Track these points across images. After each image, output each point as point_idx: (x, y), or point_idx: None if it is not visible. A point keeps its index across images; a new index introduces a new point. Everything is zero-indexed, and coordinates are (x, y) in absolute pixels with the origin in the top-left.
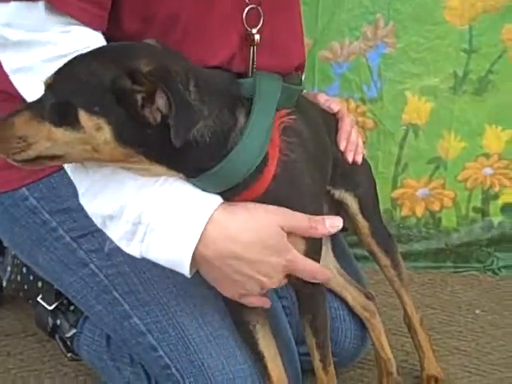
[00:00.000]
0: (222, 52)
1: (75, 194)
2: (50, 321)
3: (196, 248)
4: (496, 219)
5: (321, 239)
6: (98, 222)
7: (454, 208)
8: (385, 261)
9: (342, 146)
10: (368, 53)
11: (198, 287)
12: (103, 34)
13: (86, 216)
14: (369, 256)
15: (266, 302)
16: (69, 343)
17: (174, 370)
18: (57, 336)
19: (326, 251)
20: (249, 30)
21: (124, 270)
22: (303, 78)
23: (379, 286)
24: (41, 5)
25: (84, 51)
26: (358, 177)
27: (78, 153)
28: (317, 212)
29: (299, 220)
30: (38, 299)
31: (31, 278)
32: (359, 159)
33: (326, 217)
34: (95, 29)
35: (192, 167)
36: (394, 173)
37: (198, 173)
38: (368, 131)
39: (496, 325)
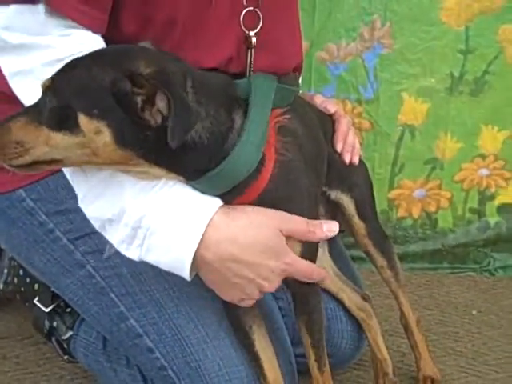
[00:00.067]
0: (219, 54)
1: (72, 196)
2: (47, 323)
3: (196, 251)
4: (492, 220)
5: (316, 242)
6: (97, 225)
7: (451, 209)
8: (381, 262)
9: (339, 147)
10: (364, 54)
11: (195, 289)
12: (102, 36)
13: (83, 218)
14: (365, 257)
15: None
16: (65, 345)
17: (170, 371)
18: (53, 338)
19: (323, 252)
20: (246, 32)
21: (121, 271)
22: (300, 79)
23: (376, 287)
24: (41, 8)
25: (84, 53)
26: (354, 178)
27: (77, 157)
28: (313, 212)
29: (298, 224)
30: (35, 301)
31: (28, 280)
32: (356, 160)
33: (323, 221)
34: (95, 32)
35: (191, 169)
36: (390, 174)
37: (197, 175)
38: (364, 132)
39: (492, 325)
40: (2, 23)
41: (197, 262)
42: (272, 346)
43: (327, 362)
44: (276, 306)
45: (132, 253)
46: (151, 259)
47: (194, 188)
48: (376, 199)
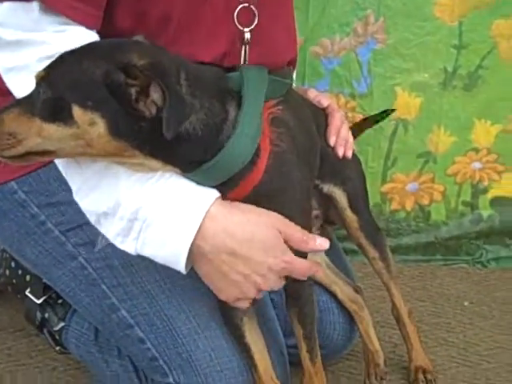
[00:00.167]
0: (213, 50)
1: (64, 188)
2: (39, 314)
3: (193, 242)
4: (485, 213)
5: None
6: (92, 219)
7: (444, 202)
8: (373, 253)
9: (332, 141)
10: (358, 49)
11: (187, 280)
12: (96, 31)
13: (75, 209)
14: (357, 250)
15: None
16: (57, 336)
17: (161, 362)
18: (45, 330)
19: None
20: (241, 28)
21: (112, 263)
22: (294, 73)
23: (368, 278)
24: (35, 5)
25: None
26: (346, 171)
27: (71, 148)
28: (305, 204)
29: (295, 230)
30: (27, 293)
31: (20, 272)
32: (349, 154)
33: (317, 236)
34: (89, 28)
35: (187, 161)
36: (383, 167)
37: (193, 167)
38: None
39: (484, 316)
40: None
41: (193, 254)
42: (263, 337)
43: (319, 353)
44: (268, 297)
45: (128, 246)
46: (147, 252)
47: (190, 180)
48: (369, 193)
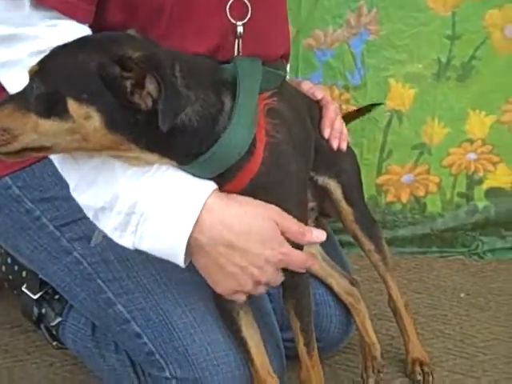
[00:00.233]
0: (206, 43)
1: (58, 183)
2: (35, 310)
3: (191, 234)
4: (480, 204)
5: None
6: (90, 214)
7: (439, 193)
8: (369, 245)
9: (326, 134)
10: (351, 40)
11: (182, 274)
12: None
13: (70, 204)
14: (353, 242)
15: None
16: (54, 332)
17: (158, 356)
18: (42, 325)
19: None
20: (233, 22)
21: (108, 257)
22: (288, 66)
23: (364, 271)
24: (26, 0)
25: None
26: (341, 163)
27: (67, 143)
28: (302, 196)
29: (292, 223)
30: (23, 289)
31: (16, 268)
32: (344, 146)
33: (313, 228)
34: (81, 22)
35: (183, 153)
36: (378, 159)
37: (189, 159)
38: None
39: (481, 308)
40: None
41: (191, 247)
42: (259, 331)
43: (316, 346)
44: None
45: (125, 240)
46: (145, 246)
47: (187, 172)
48: (364, 185)
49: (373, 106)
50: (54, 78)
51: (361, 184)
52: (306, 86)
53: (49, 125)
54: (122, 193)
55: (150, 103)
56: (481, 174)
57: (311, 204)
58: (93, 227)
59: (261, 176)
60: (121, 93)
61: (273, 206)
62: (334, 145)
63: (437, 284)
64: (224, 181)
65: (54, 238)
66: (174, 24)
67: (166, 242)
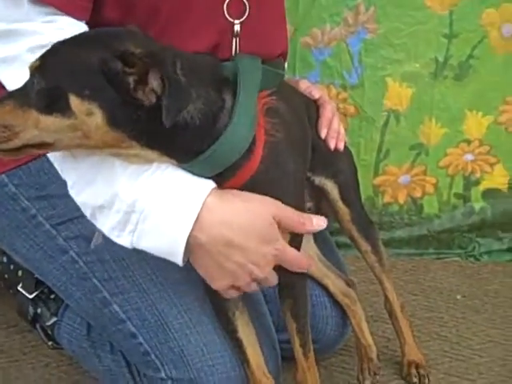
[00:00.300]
0: (203, 42)
1: (55, 181)
2: (31, 309)
3: (191, 233)
4: (477, 205)
5: None
6: (88, 213)
7: (436, 194)
8: (365, 246)
9: (323, 133)
10: (349, 39)
11: (178, 274)
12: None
13: (66, 203)
14: (350, 243)
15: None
16: (50, 331)
17: (153, 356)
18: (38, 325)
19: (308, 238)
20: (231, 20)
21: (103, 257)
22: (286, 64)
23: (361, 272)
24: None
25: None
26: (337, 164)
27: (68, 139)
28: (299, 196)
29: (290, 213)
30: (19, 288)
31: (11, 267)
32: (341, 146)
33: (313, 215)
34: (78, 18)
35: (184, 151)
36: (375, 159)
37: (189, 157)
38: (349, 118)
39: (477, 310)
40: None
41: (190, 245)
42: (255, 332)
43: (312, 347)
44: (260, 292)
45: (124, 239)
46: (144, 244)
47: (187, 171)
48: (361, 185)
49: None
50: (56, 74)
51: (358, 184)
52: (304, 85)
53: (50, 121)
54: (121, 191)
55: (153, 99)
56: (478, 174)
57: (308, 204)
58: (90, 227)
59: (260, 174)
60: (124, 89)
61: (271, 199)
62: (331, 145)
63: (433, 286)
64: (223, 179)
65: (50, 237)
66: (171, 22)
67: (166, 240)
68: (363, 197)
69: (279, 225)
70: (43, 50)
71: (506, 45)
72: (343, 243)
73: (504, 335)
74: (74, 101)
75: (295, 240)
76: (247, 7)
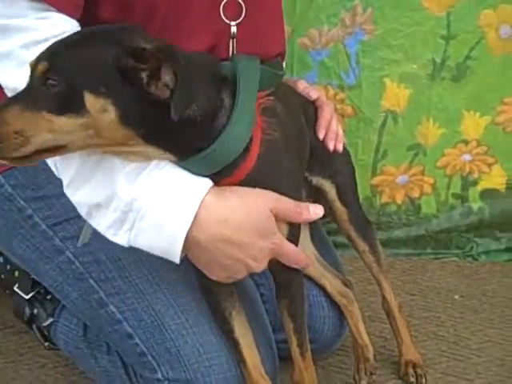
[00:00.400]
0: (200, 43)
1: (51, 181)
2: (27, 310)
3: (188, 232)
4: (475, 205)
5: (299, 225)
6: (83, 212)
7: (434, 194)
8: (363, 246)
9: (321, 135)
10: (346, 40)
11: (175, 275)
12: (79, 21)
13: (62, 203)
14: (348, 243)
15: None
16: (46, 332)
17: (150, 357)
18: (34, 325)
19: (305, 238)
20: (227, 22)
21: (100, 257)
22: (284, 65)
23: (358, 272)
24: None
25: (62, 36)
26: (335, 164)
27: (80, 140)
28: (296, 194)
29: (286, 203)
30: (15, 288)
31: (8, 267)
32: (340, 147)
33: (309, 204)
34: (70, 15)
35: (185, 148)
36: (373, 160)
37: (189, 154)
38: (347, 118)
39: (475, 310)
40: None
41: (188, 244)
42: (252, 332)
43: (309, 347)
44: (257, 292)
45: (120, 238)
46: (141, 243)
47: (185, 169)
48: (359, 186)
49: None
50: (69, 73)
51: (355, 185)
52: (302, 86)
53: (63, 122)
54: (119, 190)
55: (167, 94)
56: (475, 175)
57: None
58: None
59: (256, 173)
60: (137, 84)
61: (268, 192)
62: (330, 146)
63: (431, 286)
64: (220, 178)
65: (47, 237)
66: (168, 24)
67: (164, 238)
68: (361, 197)
69: (277, 217)
70: (38, 47)
71: (503, 46)
72: (341, 243)
73: (502, 335)
74: (89, 98)
75: (293, 234)
76: (244, 9)
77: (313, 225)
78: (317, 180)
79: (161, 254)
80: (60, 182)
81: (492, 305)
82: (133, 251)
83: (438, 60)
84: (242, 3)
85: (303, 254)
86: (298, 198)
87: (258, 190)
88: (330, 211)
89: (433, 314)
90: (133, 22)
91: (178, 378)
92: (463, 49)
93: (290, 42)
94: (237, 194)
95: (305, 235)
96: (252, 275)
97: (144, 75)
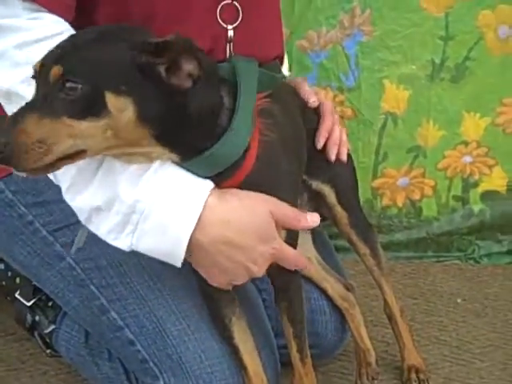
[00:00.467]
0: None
1: (51, 187)
2: (29, 317)
3: (192, 233)
4: (476, 207)
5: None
6: (83, 217)
7: (435, 197)
8: (364, 250)
9: (320, 144)
10: (345, 41)
11: (176, 281)
12: (77, 27)
13: (63, 209)
14: (349, 247)
15: None
16: (48, 339)
17: (151, 364)
18: (36, 332)
19: (307, 241)
20: (224, 26)
21: (101, 263)
22: (285, 68)
23: (360, 276)
24: None
25: (56, 37)
26: (335, 168)
27: (99, 143)
28: (293, 197)
29: (287, 210)
30: (16, 295)
31: (9, 274)
32: (343, 156)
33: (308, 212)
34: (61, 16)
35: (190, 148)
36: (373, 162)
37: (193, 154)
38: (347, 120)
39: (477, 314)
40: None
41: (191, 245)
42: (253, 338)
43: (309, 353)
44: (259, 297)
45: (122, 242)
46: (143, 245)
47: (187, 170)
48: (360, 188)
49: None
50: (88, 75)
51: (357, 187)
52: (305, 91)
53: (84, 126)
54: (122, 192)
55: (189, 83)
56: (476, 176)
57: (306, 207)
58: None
59: (254, 174)
60: (157, 79)
61: (268, 197)
62: (331, 156)
63: (433, 289)
64: (220, 179)
65: (47, 243)
66: (166, 29)
67: (167, 240)
68: (362, 200)
69: (276, 223)
70: (31, 47)
71: (502, 46)
72: (342, 247)
73: (504, 339)
74: (111, 98)
75: (291, 237)
76: (240, 12)
77: (314, 228)
78: (316, 184)
79: (162, 258)
80: (60, 187)
81: (494, 308)
82: (134, 256)
83: (437, 61)
84: (239, 7)
85: (303, 257)
86: (295, 200)
87: (257, 194)
88: (330, 215)
89: (435, 319)
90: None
91: None
92: (462, 49)
93: (288, 44)
94: (238, 197)
95: (307, 238)
96: (253, 280)
97: (162, 69)
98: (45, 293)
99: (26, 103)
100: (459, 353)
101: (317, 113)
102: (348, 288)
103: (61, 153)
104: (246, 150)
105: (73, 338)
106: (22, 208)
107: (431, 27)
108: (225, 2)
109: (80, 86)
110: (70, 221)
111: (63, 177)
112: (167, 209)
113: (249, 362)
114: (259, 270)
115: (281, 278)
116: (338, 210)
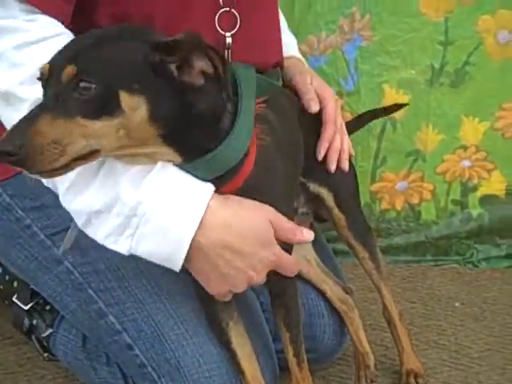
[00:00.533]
0: None
1: (49, 191)
2: (26, 321)
3: (193, 236)
4: (475, 211)
5: None
6: (81, 220)
7: (433, 201)
8: (363, 253)
9: (320, 155)
10: (344, 46)
11: (174, 285)
12: (76, 30)
13: (60, 213)
14: (348, 250)
15: None
16: (45, 343)
17: (149, 368)
18: (33, 336)
19: (306, 245)
20: (222, 33)
21: (99, 267)
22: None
23: (359, 280)
24: None
25: (54, 39)
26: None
27: (112, 142)
28: (289, 198)
29: (285, 221)
30: (14, 299)
31: (7, 277)
32: (344, 166)
33: (303, 228)
34: (55, 18)
35: (194, 149)
36: (372, 166)
37: (196, 156)
38: None
39: (475, 318)
40: None
41: (191, 249)
42: (251, 342)
43: (305, 357)
44: (257, 301)
45: (121, 245)
46: (143, 249)
47: (188, 173)
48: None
49: (400, 106)
50: (103, 74)
51: (357, 191)
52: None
53: (98, 126)
54: (123, 194)
55: (201, 81)
56: (475, 181)
57: (301, 210)
58: (81, 235)
59: (253, 177)
60: (169, 77)
61: (267, 206)
62: (331, 167)
63: (431, 293)
64: (221, 183)
65: (45, 247)
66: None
67: (168, 242)
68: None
69: (273, 232)
70: (29, 48)
71: (501, 51)
72: (340, 250)
73: (503, 343)
74: (125, 97)
75: (287, 244)
76: (238, 20)
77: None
78: (314, 186)
79: (162, 261)
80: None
81: (493, 312)
82: (132, 260)
83: (437, 66)
84: (237, 14)
85: (299, 264)
86: (291, 203)
87: (256, 203)
88: (330, 216)
89: (433, 322)
90: None
91: None
92: (461, 54)
93: None
94: (238, 203)
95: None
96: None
97: (173, 67)
98: (42, 297)
99: (38, 105)
100: (458, 357)
101: (319, 118)
102: (347, 291)
103: (75, 153)
104: (246, 155)
105: (70, 342)
106: (20, 212)
107: (431, 32)
108: (223, 10)
109: (94, 85)
110: (67, 225)
111: (62, 180)
112: (169, 211)
113: (247, 366)
114: (258, 277)
115: (277, 283)
116: (336, 212)
